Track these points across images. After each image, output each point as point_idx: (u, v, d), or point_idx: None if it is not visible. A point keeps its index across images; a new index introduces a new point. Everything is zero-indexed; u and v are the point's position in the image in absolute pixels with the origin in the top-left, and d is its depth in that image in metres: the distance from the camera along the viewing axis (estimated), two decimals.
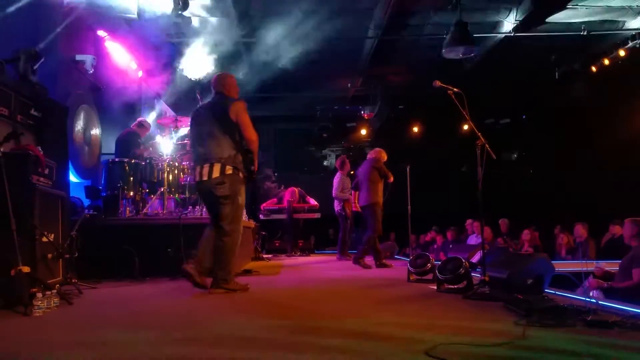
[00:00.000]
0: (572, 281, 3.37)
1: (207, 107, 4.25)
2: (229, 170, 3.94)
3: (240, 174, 4.03)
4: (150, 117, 8.91)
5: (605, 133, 11.74)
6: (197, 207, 5.93)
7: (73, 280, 4.14)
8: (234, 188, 3.97)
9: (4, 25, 4.97)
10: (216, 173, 3.92)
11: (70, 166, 5.86)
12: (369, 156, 7.33)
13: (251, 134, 4.02)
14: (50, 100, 5.28)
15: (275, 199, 10.91)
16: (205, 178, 3.97)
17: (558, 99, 12.23)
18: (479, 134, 3.94)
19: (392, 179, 6.98)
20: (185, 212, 5.88)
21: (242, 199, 4.03)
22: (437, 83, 4.16)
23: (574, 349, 2.19)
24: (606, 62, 10.29)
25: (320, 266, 5.55)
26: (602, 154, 11.94)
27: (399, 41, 10.10)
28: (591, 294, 3.58)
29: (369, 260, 6.91)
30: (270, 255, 9.71)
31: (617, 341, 2.30)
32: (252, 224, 8.33)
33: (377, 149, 7.41)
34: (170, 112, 10.60)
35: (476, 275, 4.24)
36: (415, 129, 14.25)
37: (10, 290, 3.17)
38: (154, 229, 5.48)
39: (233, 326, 2.79)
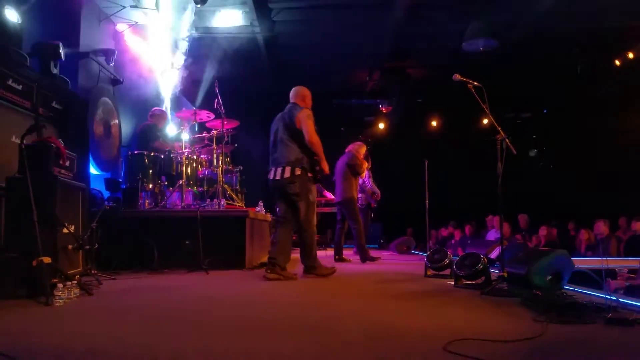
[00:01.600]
0: (592, 278, 3.31)
1: (280, 116, 4.78)
2: (297, 171, 4.48)
3: (309, 174, 4.55)
4: (169, 110, 8.99)
5: (627, 129, 11.50)
6: (215, 200, 5.97)
7: (93, 271, 4.21)
8: (303, 186, 4.50)
9: (27, 20, 5.05)
10: (287, 174, 4.49)
11: (91, 158, 5.96)
12: (346, 150, 7.26)
13: (311, 138, 4.49)
14: (72, 93, 5.37)
15: None
16: (278, 178, 4.55)
17: (580, 93, 11.99)
18: (499, 128, 3.88)
19: (363, 175, 7.00)
20: (204, 205, 5.93)
21: (312, 196, 4.55)
22: (457, 76, 4.10)
23: (594, 347, 2.16)
24: (630, 55, 10.04)
25: (327, 261, 5.55)
26: (623, 150, 11.70)
27: (419, 34, 9.98)
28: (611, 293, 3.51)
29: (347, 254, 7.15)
30: None
31: (637, 339, 2.26)
32: (270, 217, 8.37)
33: (357, 143, 7.36)
34: (189, 106, 10.67)
35: (494, 271, 4.20)
36: (434, 123, 14.12)
37: (32, 280, 3.24)
38: (173, 222, 5.54)
39: (250, 318, 2.81)
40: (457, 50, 8.73)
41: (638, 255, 6.41)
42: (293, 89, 4.96)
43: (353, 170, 6.88)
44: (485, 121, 12.47)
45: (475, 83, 4.01)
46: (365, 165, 7.09)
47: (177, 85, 9.94)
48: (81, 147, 4.99)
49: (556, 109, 13.63)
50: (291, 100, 4.88)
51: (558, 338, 2.26)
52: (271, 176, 4.64)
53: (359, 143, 7.32)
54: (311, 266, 4.66)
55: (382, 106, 13.89)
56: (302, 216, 4.55)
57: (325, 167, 4.66)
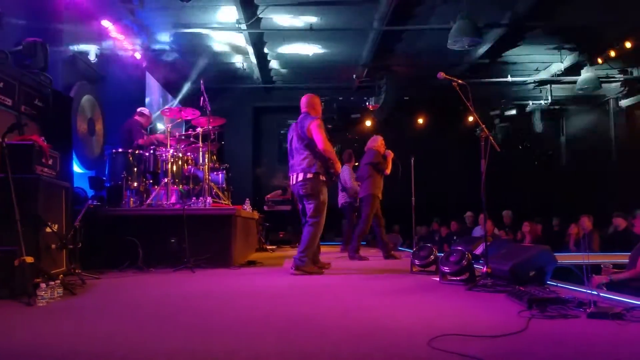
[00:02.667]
0: (575, 273, 3.36)
1: (294, 125, 5.04)
2: (309, 175, 4.80)
3: (321, 177, 4.83)
4: (154, 108, 8.92)
5: (608, 126, 11.67)
6: (201, 198, 5.94)
7: (76, 271, 4.16)
8: (315, 188, 4.80)
9: (9, 16, 4.97)
10: (300, 177, 4.85)
11: (74, 156, 5.89)
12: (367, 146, 7.20)
13: (324, 146, 4.77)
14: (54, 90, 5.29)
15: (279, 190, 10.93)
16: (293, 182, 4.95)
17: (564, 90, 12.15)
18: (483, 125, 3.92)
19: (388, 171, 6.91)
20: (189, 203, 5.89)
21: (323, 196, 4.82)
22: (442, 75, 4.13)
23: (576, 340, 2.20)
24: (612, 54, 10.18)
25: (324, 257, 5.56)
26: (605, 147, 11.89)
27: (404, 32, 10.02)
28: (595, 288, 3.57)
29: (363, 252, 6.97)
30: (274, 247, 9.73)
31: (617, 333, 2.30)
32: (256, 215, 8.36)
33: (374, 138, 7.23)
34: (174, 103, 10.60)
35: (479, 267, 4.24)
36: (420, 121, 14.18)
37: (14, 280, 3.19)
38: (158, 220, 5.49)
39: (234, 316, 2.80)
40: (443, 47, 8.77)
41: (618, 250, 6.52)
42: (303, 98, 5.13)
43: (377, 168, 6.80)
44: (471, 119, 12.56)
45: (459, 81, 4.04)
46: (391, 156, 6.98)
47: (163, 82, 9.87)
48: (64, 145, 4.93)
49: (539, 106, 13.77)
50: (302, 110, 5.07)
51: (540, 332, 2.29)
52: (291, 182, 5.05)
53: (374, 137, 7.19)
54: (300, 260, 4.71)
55: (369, 103, 13.92)
56: (310, 214, 4.86)
57: (338, 168, 4.99)
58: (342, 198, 8.47)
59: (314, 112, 5.06)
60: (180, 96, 10.77)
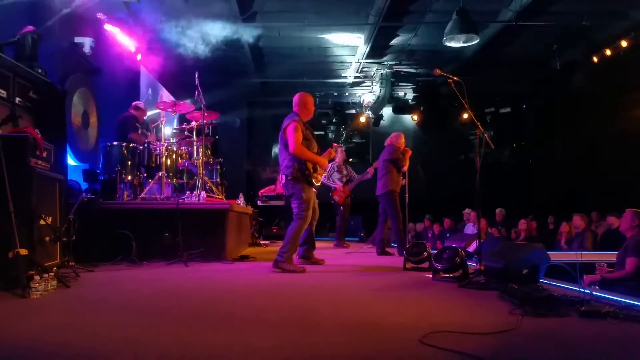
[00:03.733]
0: (567, 272, 3.39)
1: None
2: (289, 176, 4.86)
3: (301, 177, 4.84)
4: (148, 101, 8.87)
5: (604, 124, 11.74)
6: (195, 192, 5.93)
7: (70, 263, 4.16)
8: (295, 188, 4.84)
9: (3, 7, 4.92)
10: (283, 180, 4.96)
11: (68, 149, 5.85)
12: (386, 142, 7.13)
13: (294, 150, 4.77)
14: (49, 82, 5.25)
15: (272, 186, 10.92)
16: (280, 185, 4.99)
17: (559, 88, 12.19)
18: (478, 123, 3.94)
19: (405, 168, 6.83)
20: (183, 197, 5.88)
21: (305, 195, 4.81)
22: (437, 71, 4.15)
23: (567, 338, 2.22)
24: (608, 52, 10.24)
25: (317, 253, 5.57)
26: (600, 145, 11.95)
27: (400, 28, 10.03)
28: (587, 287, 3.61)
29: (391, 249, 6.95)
30: (267, 242, 9.73)
31: (609, 331, 2.33)
32: (250, 210, 8.35)
33: (395, 134, 7.14)
34: (168, 97, 10.55)
35: (472, 265, 4.27)
36: (415, 117, 14.21)
37: (8, 272, 3.18)
38: (152, 214, 5.48)
39: (228, 311, 2.81)
40: (438, 44, 8.78)
41: (612, 249, 6.57)
42: (295, 96, 5.09)
43: (395, 164, 6.76)
44: (466, 116, 12.61)
45: (455, 78, 4.05)
46: (409, 153, 6.91)
47: (157, 75, 9.81)
48: (59, 138, 4.89)
49: (535, 104, 13.84)
50: (293, 109, 5.03)
51: (533, 330, 2.32)
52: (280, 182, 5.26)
53: (397, 134, 7.11)
54: (279, 257, 4.68)
55: (363, 100, 13.95)
56: (295, 212, 4.89)
57: (323, 165, 5.02)
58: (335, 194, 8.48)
59: (305, 111, 5.02)
60: (174, 89, 10.73)
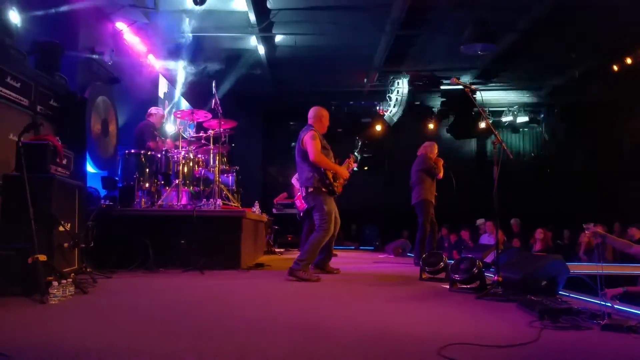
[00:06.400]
0: (587, 284, 3.32)
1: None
2: (310, 189, 4.91)
3: (323, 189, 4.88)
4: (167, 110, 8.98)
5: (624, 134, 11.55)
6: (211, 199, 5.96)
7: (88, 270, 4.20)
8: (316, 200, 4.88)
9: (26, 18, 5.04)
10: (304, 193, 5.03)
11: (88, 157, 5.93)
12: (418, 152, 7.10)
13: (315, 158, 4.80)
14: (70, 91, 5.35)
15: (284, 193, 10.94)
16: (303, 196, 5.14)
17: (578, 97, 12.04)
18: (496, 132, 3.90)
19: (441, 175, 6.79)
20: (200, 204, 5.91)
21: (327, 207, 4.84)
22: (455, 80, 4.13)
23: (588, 353, 2.17)
24: (629, 61, 10.09)
25: (333, 261, 5.55)
26: (621, 155, 11.75)
27: (417, 37, 10.01)
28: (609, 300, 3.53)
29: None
30: (282, 249, 9.74)
31: (632, 346, 2.27)
32: (265, 217, 8.36)
33: (428, 143, 7.10)
34: (187, 105, 10.66)
35: (490, 276, 4.21)
36: (431, 126, 14.13)
37: (28, 278, 3.22)
38: (169, 221, 5.52)
39: (243, 318, 2.81)
40: (455, 52, 8.75)
41: (633, 261, 6.43)
42: (310, 110, 5.17)
43: (429, 173, 6.74)
44: (483, 124, 12.51)
45: (472, 87, 4.04)
46: (441, 162, 6.86)
47: (175, 85, 9.93)
48: (78, 146, 4.97)
49: (553, 113, 13.68)
50: (308, 122, 5.10)
51: (552, 344, 2.27)
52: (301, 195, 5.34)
53: (429, 143, 7.09)
54: (297, 264, 4.66)
55: (379, 108, 13.91)
56: (317, 223, 4.92)
57: (344, 176, 5.06)
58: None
59: (320, 124, 5.09)
60: (192, 98, 10.83)
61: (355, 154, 5.94)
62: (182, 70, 9.50)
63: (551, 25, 8.89)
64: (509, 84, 12.27)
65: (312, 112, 5.16)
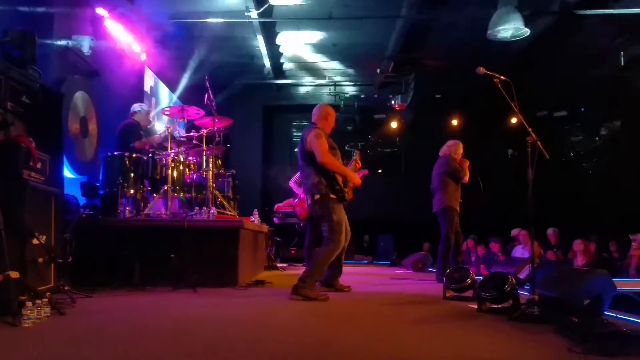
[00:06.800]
0: (637, 303, 3.30)
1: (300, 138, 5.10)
2: (317, 196, 4.87)
3: (332, 196, 4.85)
4: (153, 106, 9.02)
5: None
6: (204, 208, 5.97)
7: (66, 288, 4.21)
8: (324, 209, 4.86)
9: None
10: (309, 201, 4.99)
11: (65, 160, 5.97)
12: (441, 152, 7.10)
13: (322, 159, 4.78)
14: (44, 86, 5.37)
15: (291, 200, 10.94)
16: (308, 203, 5.11)
17: (622, 88, 11.96)
18: (530, 129, 3.89)
19: (465, 179, 6.75)
20: (191, 213, 5.93)
21: (336, 216, 4.83)
22: (481, 70, 4.12)
23: None
24: None
25: (343, 278, 5.54)
26: None
27: (436, 21, 9.99)
28: None
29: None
30: (285, 265, 9.75)
31: None
32: (265, 228, 8.37)
33: (451, 142, 7.08)
34: (176, 101, 10.72)
35: (524, 294, 4.19)
36: (455, 122, 14.09)
37: None
38: (157, 232, 5.54)
39: (241, 344, 2.80)
40: (481, 39, 8.72)
41: None
42: (316, 107, 5.21)
43: (453, 176, 6.73)
44: (514, 120, 12.45)
45: (502, 77, 4.02)
46: (467, 164, 6.83)
47: (164, 78, 9.99)
48: (54, 147, 4.99)
49: (595, 106, 13.61)
50: (312, 120, 5.16)
51: None
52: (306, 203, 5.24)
53: (453, 142, 7.07)
54: (302, 282, 4.62)
55: (395, 102, 13.91)
56: (326, 235, 4.90)
57: (354, 181, 5.04)
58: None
59: (325, 123, 5.13)
60: (182, 93, 10.89)
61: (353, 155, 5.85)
62: (170, 61, 9.55)
63: (593, 4, 8.82)
64: (545, 73, 12.21)
65: (316, 110, 5.18)
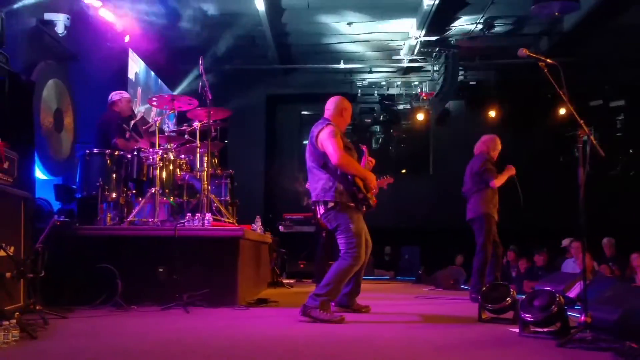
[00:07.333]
0: None
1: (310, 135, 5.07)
2: (330, 204, 4.83)
3: (350, 204, 4.84)
4: (138, 95, 9.07)
5: None
6: (198, 214, 5.99)
7: (37, 307, 4.23)
8: (340, 219, 4.83)
9: None
10: (322, 210, 4.93)
11: (37, 159, 6.01)
12: (475, 151, 7.03)
13: (339, 160, 4.74)
14: (11, 72, 5.42)
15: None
16: (318, 215, 5.13)
17: None
18: (581, 121, 3.86)
19: (495, 182, 6.60)
20: (183, 220, 5.95)
21: (355, 226, 4.80)
22: (525, 52, 4.10)
23: None
24: None
25: (362, 297, 5.53)
26: None
27: None
28: None
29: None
30: (292, 281, 9.76)
31: None
32: (269, 238, 8.39)
33: (487, 137, 7.01)
34: (165, 90, 10.78)
35: (575, 315, 4.16)
36: (492, 113, 14.04)
37: None
38: (143, 243, 5.56)
39: None
40: (524, 14, 8.71)
41: None
42: (330, 100, 5.18)
43: (484, 177, 6.63)
44: (564, 111, 12.38)
45: (548, 60, 4.00)
46: (512, 172, 6.72)
47: (150, 62, 10.04)
48: (24, 144, 5.05)
49: None
50: (325, 115, 5.12)
51: None
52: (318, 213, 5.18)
53: (489, 137, 7.00)
54: (309, 306, 4.59)
55: (421, 90, 13.89)
56: (343, 249, 4.87)
57: (374, 185, 5.00)
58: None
59: (341, 119, 5.11)
60: (173, 81, 10.94)
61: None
62: (159, 43, 9.60)
63: None
64: (599, 56, 12.14)
65: (331, 104, 5.15)
